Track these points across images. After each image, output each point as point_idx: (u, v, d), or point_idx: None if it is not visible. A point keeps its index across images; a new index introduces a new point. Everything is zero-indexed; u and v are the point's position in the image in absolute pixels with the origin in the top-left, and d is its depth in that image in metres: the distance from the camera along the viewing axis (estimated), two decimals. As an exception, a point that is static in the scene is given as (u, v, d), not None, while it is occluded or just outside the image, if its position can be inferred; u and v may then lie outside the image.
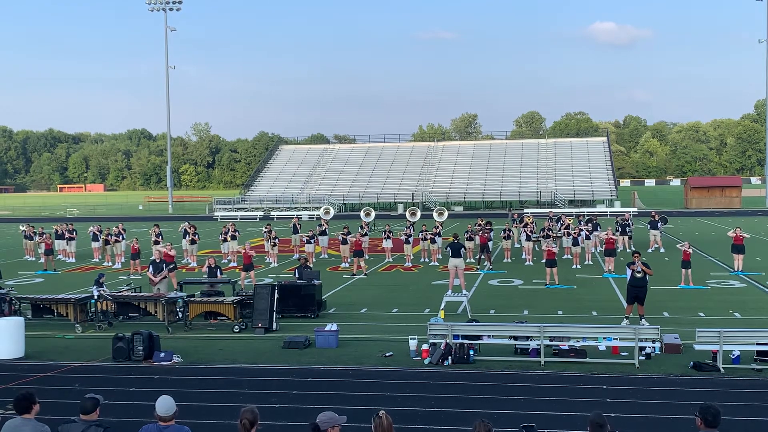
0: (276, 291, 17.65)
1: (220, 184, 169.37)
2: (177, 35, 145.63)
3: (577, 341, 14.50)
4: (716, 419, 6.25)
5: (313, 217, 60.99)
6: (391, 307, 20.53)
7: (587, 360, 14.13)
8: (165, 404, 6.48)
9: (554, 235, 30.67)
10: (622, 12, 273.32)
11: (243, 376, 13.67)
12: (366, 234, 31.26)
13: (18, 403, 6.68)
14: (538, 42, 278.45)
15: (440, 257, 30.15)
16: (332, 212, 47.11)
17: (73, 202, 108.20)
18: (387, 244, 31.54)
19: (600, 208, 64.94)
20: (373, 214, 43.19)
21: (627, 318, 17.32)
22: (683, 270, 23.16)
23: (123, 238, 31.88)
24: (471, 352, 14.32)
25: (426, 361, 14.31)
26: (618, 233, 32.04)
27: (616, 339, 14.49)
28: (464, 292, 20.63)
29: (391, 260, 30.97)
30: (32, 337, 16.41)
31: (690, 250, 23.51)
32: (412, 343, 14.93)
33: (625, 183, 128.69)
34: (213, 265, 20.82)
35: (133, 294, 19.10)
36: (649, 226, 34.13)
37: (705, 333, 13.81)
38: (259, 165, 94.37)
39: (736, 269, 25.79)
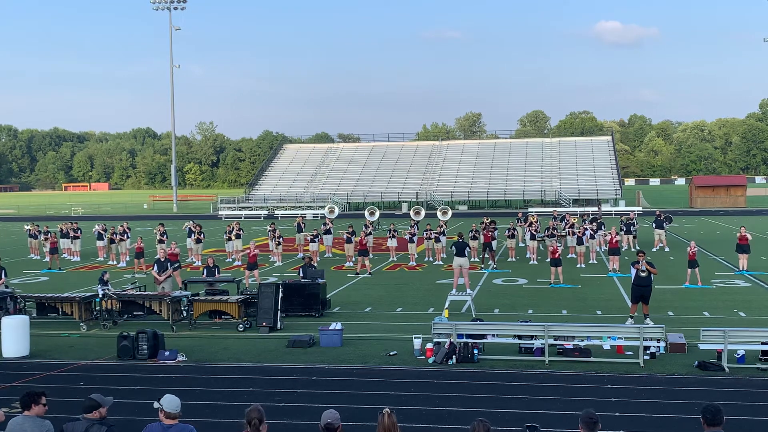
0: (280, 290, 17.67)
1: (225, 183, 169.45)
2: (181, 34, 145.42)
3: (582, 340, 14.47)
4: (716, 417, 6.24)
5: (317, 216, 61.03)
6: (396, 306, 20.53)
7: (592, 359, 14.12)
8: (169, 402, 6.48)
9: (559, 234, 30.66)
10: (628, 11, 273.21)
11: (247, 374, 13.68)
12: (370, 233, 31.25)
13: (21, 399, 6.82)
14: (543, 41, 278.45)
15: (444, 256, 30.15)
16: (337, 211, 47.15)
17: (78, 200, 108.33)
18: (391, 243, 31.57)
19: (605, 207, 64.80)
20: (377, 213, 43.23)
21: (632, 317, 17.29)
22: (689, 269, 23.10)
23: (128, 237, 31.95)
24: (475, 351, 14.31)
25: (430, 360, 14.30)
26: (623, 232, 32.04)
27: (621, 338, 14.48)
28: (468, 291, 20.61)
29: (395, 259, 30.97)
30: (37, 336, 16.45)
31: (695, 250, 23.39)
32: (417, 342, 14.92)
33: (630, 182, 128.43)
34: (212, 265, 20.85)
35: (138, 293, 19.13)
36: (653, 225, 34.07)
37: (710, 332, 13.78)
38: (263, 164, 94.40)
39: (741, 269, 25.74)
